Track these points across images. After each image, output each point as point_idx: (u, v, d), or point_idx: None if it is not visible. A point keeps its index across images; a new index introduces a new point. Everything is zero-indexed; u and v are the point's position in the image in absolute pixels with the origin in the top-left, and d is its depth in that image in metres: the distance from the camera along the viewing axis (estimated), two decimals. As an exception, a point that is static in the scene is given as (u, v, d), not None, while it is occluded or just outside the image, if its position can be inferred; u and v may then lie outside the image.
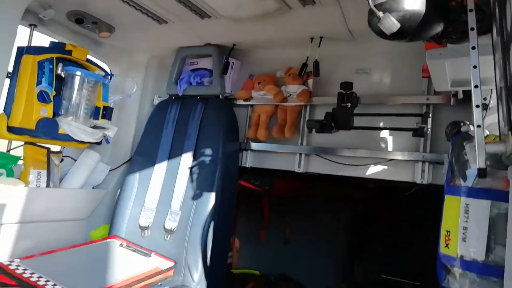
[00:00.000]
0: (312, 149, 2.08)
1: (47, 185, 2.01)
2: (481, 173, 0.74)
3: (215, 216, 1.97)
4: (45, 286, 1.49)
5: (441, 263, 0.89)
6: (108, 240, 2.06)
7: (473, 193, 0.84)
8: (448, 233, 0.87)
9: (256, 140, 2.22)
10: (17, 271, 1.55)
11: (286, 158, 2.15)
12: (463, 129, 1.06)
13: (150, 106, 2.49)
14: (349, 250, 3.63)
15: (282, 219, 3.55)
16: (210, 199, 1.98)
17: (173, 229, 2.02)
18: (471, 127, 0.99)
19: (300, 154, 2.10)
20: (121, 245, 2.02)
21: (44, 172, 2.01)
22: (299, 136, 2.12)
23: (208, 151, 2.07)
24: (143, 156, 2.25)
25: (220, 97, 2.24)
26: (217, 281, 1.99)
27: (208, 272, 1.92)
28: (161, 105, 2.38)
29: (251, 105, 2.27)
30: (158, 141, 2.23)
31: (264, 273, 2.66)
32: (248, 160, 2.24)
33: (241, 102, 2.27)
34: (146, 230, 2.11)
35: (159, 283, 1.85)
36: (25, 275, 1.54)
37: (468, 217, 0.83)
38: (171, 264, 1.91)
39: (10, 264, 1.59)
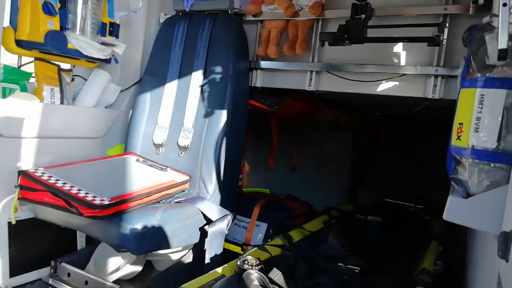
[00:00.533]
0: (323, 66, 2.04)
1: (61, 102, 2.03)
2: (502, 54, 0.73)
3: (227, 133, 2.01)
4: (70, 191, 1.57)
5: (451, 155, 0.91)
6: (124, 155, 2.14)
7: (489, 83, 0.84)
8: (461, 125, 0.88)
9: (266, 57, 2.17)
10: (43, 178, 1.63)
11: (296, 77, 2.13)
12: (484, 19, 1.02)
13: (157, 25, 2.41)
14: (354, 175, 3.77)
15: (290, 146, 3.63)
16: (222, 116, 2.00)
17: (187, 146, 2.07)
18: (493, 18, 0.95)
19: (311, 71, 2.07)
20: (137, 160, 2.09)
21: (57, 89, 2.02)
22: (311, 53, 2.08)
23: (218, 69, 2.05)
24: (153, 75, 2.24)
25: (229, 11, 2.15)
26: (230, 195, 2.08)
27: (222, 186, 2.00)
28: (168, 23, 2.30)
29: (261, 21, 2.19)
30: (167, 60, 2.20)
31: (274, 192, 2.78)
32: (258, 80, 2.22)
33: (251, 18, 2.18)
34: (160, 148, 2.17)
35: (176, 195, 1.95)
36: (51, 181, 1.62)
37: (482, 107, 0.84)
38: (187, 177, 1.99)
39: (36, 172, 1.67)
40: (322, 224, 2.29)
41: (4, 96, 1.82)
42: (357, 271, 1.55)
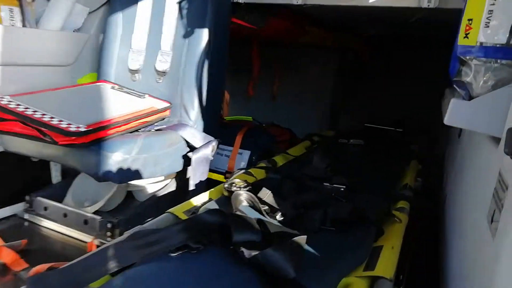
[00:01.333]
0: None
1: (23, 25, 1.79)
2: None
3: (209, 55, 1.85)
4: (42, 118, 1.43)
5: (456, 57, 0.83)
6: (98, 83, 1.97)
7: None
8: (470, 21, 0.79)
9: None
10: (10, 106, 1.48)
11: None
12: None
13: None
14: (336, 100, 3.68)
15: (271, 73, 3.45)
16: (203, 36, 1.83)
17: (166, 70, 1.92)
18: None
19: None
20: (112, 87, 1.92)
21: (16, 10, 1.78)
22: None
23: (196, -18, 1.82)
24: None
25: None
26: (213, 122, 1.99)
27: (204, 112, 1.90)
28: None
29: None
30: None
31: (256, 120, 2.69)
32: None
33: None
34: (136, 74, 2.00)
35: (156, 123, 1.83)
36: (19, 109, 1.48)
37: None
38: (167, 104, 1.87)
39: (1, 100, 1.50)
40: (305, 150, 2.26)
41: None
42: (342, 189, 1.54)
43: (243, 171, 1.59)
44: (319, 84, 3.52)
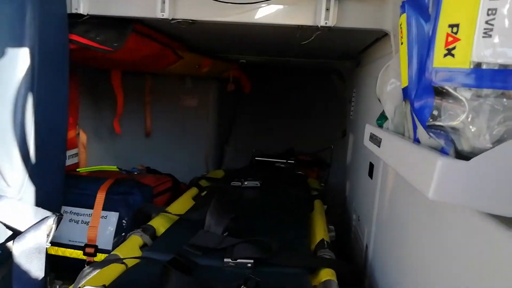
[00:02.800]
0: None
1: None
2: None
3: (34, 85, 1.27)
4: None
5: (429, 87, 0.53)
6: None
7: None
8: (455, 28, 0.50)
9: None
10: None
11: (143, 1, 1.48)
12: None
13: None
14: (220, 134, 3.40)
15: (142, 104, 2.97)
16: (20, 59, 1.24)
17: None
18: None
19: None
20: None
21: None
22: None
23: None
24: None
25: None
26: (51, 184, 1.40)
27: (34, 172, 1.29)
28: None
29: None
30: None
31: (124, 169, 2.16)
32: (82, 3, 1.48)
33: None
34: None
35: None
36: None
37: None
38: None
39: None
40: (193, 201, 1.83)
41: None
42: (250, 265, 1.17)
43: (99, 269, 1.05)
44: (200, 117, 3.19)
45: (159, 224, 1.48)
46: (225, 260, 1.19)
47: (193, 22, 1.51)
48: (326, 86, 3.36)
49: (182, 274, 1.05)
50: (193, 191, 1.99)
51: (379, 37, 1.59)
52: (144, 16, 1.51)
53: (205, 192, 2.01)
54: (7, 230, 1.16)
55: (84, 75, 2.36)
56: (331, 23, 1.39)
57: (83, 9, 1.50)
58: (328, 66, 2.93)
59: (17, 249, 1.11)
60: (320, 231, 1.52)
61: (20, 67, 1.26)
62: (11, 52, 1.26)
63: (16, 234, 1.15)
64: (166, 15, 1.47)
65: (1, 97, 1.24)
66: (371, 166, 1.54)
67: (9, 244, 1.13)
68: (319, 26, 1.40)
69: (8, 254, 1.12)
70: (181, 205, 1.74)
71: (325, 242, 1.39)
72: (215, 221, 1.38)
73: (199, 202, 1.82)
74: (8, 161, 1.24)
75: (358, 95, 2.19)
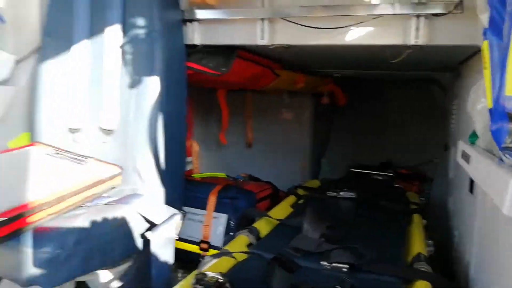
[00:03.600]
0: (277, 12, 1.68)
1: None
2: None
3: (163, 106, 1.61)
4: None
5: (503, 112, 0.62)
6: (29, 147, 1.66)
7: None
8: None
9: (204, 5, 1.77)
10: None
11: (244, 28, 1.76)
12: None
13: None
14: (316, 146, 3.56)
15: (244, 118, 3.31)
16: (152, 85, 1.60)
17: (112, 128, 1.65)
18: None
19: (263, 20, 1.70)
20: (47, 153, 1.63)
21: None
22: None
23: (141, 22, 1.62)
24: (56, 37, 1.75)
25: None
26: (175, 187, 1.73)
27: (164, 176, 1.63)
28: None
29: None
30: (71, 13, 1.70)
31: (230, 176, 2.46)
32: (196, 35, 1.81)
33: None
34: (76, 133, 1.72)
35: (105, 195, 1.55)
36: None
37: None
38: (117, 170, 1.59)
39: None
40: (291, 208, 2.01)
41: None
42: (345, 270, 1.29)
43: (215, 259, 1.30)
44: (297, 129, 3.39)
45: (262, 226, 1.69)
46: (321, 263, 1.33)
47: (289, 46, 1.71)
48: (425, 98, 3.27)
49: (285, 270, 1.24)
50: (291, 198, 2.17)
51: (476, 50, 1.57)
52: (246, 43, 1.77)
53: (302, 200, 2.18)
54: (145, 222, 1.50)
55: (195, 94, 2.77)
56: (421, 41, 1.44)
57: (196, 40, 1.83)
58: (426, 77, 2.87)
59: (154, 238, 1.44)
60: (418, 245, 1.55)
61: (153, 92, 1.61)
62: (146, 80, 1.62)
63: (152, 226, 1.48)
64: (265, 41, 1.70)
65: (140, 115, 1.61)
66: (472, 181, 1.53)
67: (147, 234, 1.45)
68: (409, 45, 1.47)
69: (147, 241, 1.45)
70: (281, 211, 1.94)
71: (422, 256, 1.42)
72: (312, 228, 1.54)
73: (297, 209, 1.99)
74: (145, 168, 1.60)
75: (458, 108, 2.14)
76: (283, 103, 3.37)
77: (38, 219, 1.22)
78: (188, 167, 2.47)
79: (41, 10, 1.84)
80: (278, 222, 1.75)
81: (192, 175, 2.37)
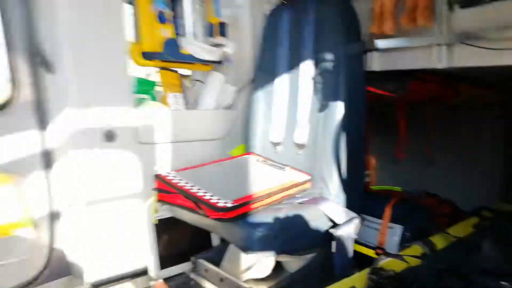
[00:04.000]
0: (455, 36, 1.75)
1: (185, 108, 2.24)
2: None
3: (345, 126, 1.92)
4: (197, 193, 1.71)
5: None
6: (245, 156, 2.24)
7: None
8: None
9: (382, 36, 1.98)
10: (174, 181, 1.82)
11: (422, 54, 1.89)
12: None
13: (263, 17, 2.43)
14: (507, 165, 3.22)
15: (423, 134, 3.28)
16: (337, 108, 1.92)
17: (304, 143, 2.06)
18: None
19: (440, 45, 1.80)
20: (257, 160, 2.16)
21: (180, 95, 2.24)
22: (436, 22, 1.80)
23: (329, 56, 1.96)
24: (264, 71, 2.29)
25: (335, -8, 2.03)
26: (355, 195, 2.00)
27: (345, 185, 1.93)
28: (272, 14, 2.32)
29: (373, -5, 2.02)
30: (275, 52, 2.21)
31: (407, 190, 2.56)
32: (375, 62, 2.06)
33: (360, -6, 2.04)
34: (278, 146, 2.20)
35: (298, 196, 1.95)
36: (181, 184, 1.80)
37: None
38: (308, 177, 1.98)
39: (168, 175, 1.88)
40: (472, 229, 2.00)
41: (139, 106, 2.08)
42: (528, 292, 1.29)
43: (390, 258, 1.51)
44: (486, 146, 3.14)
45: (438, 241, 1.78)
46: (502, 283, 1.35)
47: (469, 68, 1.75)
48: None
49: (459, 283, 1.34)
50: (474, 220, 2.12)
51: None
52: (423, 67, 1.90)
53: (486, 223, 2.12)
54: (330, 221, 1.82)
55: (373, 109, 2.96)
56: None
57: (376, 67, 2.07)
58: None
59: (337, 234, 1.75)
60: None
61: (338, 114, 1.93)
62: (331, 105, 1.95)
63: (335, 225, 1.80)
64: (443, 65, 1.79)
65: (327, 133, 1.95)
66: None
67: (332, 230, 1.77)
68: None
69: (331, 236, 1.77)
70: (460, 229, 1.96)
71: None
72: (494, 251, 1.56)
73: (479, 230, 1.97)
74: (329, 177, 1.93)
75: None
76: (467, 117, 3.19)
77: (255, 207, 1.70)
78: (367, 180, 2.69)
79: (253, 52, 2.45)
80: (456, 239, 1.80)
81: (370, 187, 2.59)
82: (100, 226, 1.87)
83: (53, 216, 1.91)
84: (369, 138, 2.84)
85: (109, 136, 1.86)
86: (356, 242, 2.16)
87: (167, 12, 2.05)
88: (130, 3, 1.99)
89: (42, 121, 1.82)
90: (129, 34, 1.99)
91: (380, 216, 2.17)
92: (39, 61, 1.74)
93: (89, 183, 1.83)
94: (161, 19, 2.02)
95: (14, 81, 1.76)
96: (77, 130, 1.79)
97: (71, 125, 1.78)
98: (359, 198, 2.00)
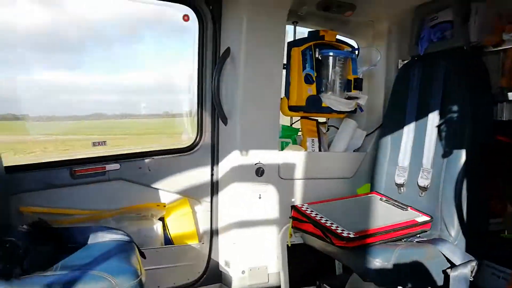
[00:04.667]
0: None
1: (319, 150, 2.69)
2: None
3: (468, 173, 2.06)
4: (325, 224, 2.12)
5: None
6: (370, 194, 2.55)
7: None
8: None
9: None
10: (307, 211, 2.27)
11: None
12: None
13: (395, 72, 2.76)
14: None
15: None
16: (461, 156, 2.09)
17: (426, 186, 2.27)
18: None
19: None
20: (381, 199, 2.45)
21: (316, 140, 2.71)
22: None
23: (455, 108, 2.16)
24: (392, 119, 2.59)
25: (465, 48, 2.23)
26: (475, 240, 2.08)
27: (466, 230, 2.06)
28: (404, 68, 2.62)
29: (504, 50, 2.14)
30: (405, 103, 2.49)
31: None
32: (505, 113, 2.15)
33: (491, 49, 2.19)
34: (401, 188, 2.45)
35: (417, 235, 2.16)
36: (312, 215, 2.23)
37: None
38: (427, 218, 2.18)
39: (302, 206, 2.34)
40: None
41: (282, 148, 2.63)
42: None
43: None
44: None
45: None
46: None
47: None
48: None
49: None
50: None
51: None
52: None
53: None
54: (447, 262, 1.98)
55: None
56: None
57: (505, 117, 2.17)
58: None
59: (452, 275, 1.91)
60: None
61: (461, 160, 2.08)
62: (456, 151, 2.11)
63: (452, 265, 1.95)
64: None
65: (449, 178, 2.12)
66: None
67: (448, 271, 1.94)
68: None
69: (447, 276, 1.92)
70: None
71: None
72: None
73: None
74: (450, 220, 2.09)
75: None
76: None
77: (375, 240, 2.00)
78: (499, 226, 2.65)
79: (384, 102, 2.77)
80: None
81: (502, 235, 2.55)
82: (246, 244, 2.43)
83: (213, 233, 2.56)
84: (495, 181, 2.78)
85: (259, 171, 2.43)
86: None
87: (312, 75, 2.57)
88: (285, 68, 2.57)
89: (215, 159, 2.52)
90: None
91: (507, 266, 2.18)
92: (218, 115, 2.43)
93: (242, 207, 2.42)
94: (308, 80, 2.55)
95: (200, 130, 2.51)
96: (237, 166, 2.41)
97: (233, 162, 2.42)
98: (481, 243, 2.08)
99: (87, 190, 2.28)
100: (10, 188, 2.01)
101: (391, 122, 2.60)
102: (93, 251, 1.72)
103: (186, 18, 2.44)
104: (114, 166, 2.34)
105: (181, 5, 2.42)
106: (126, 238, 1.89)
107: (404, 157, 2.46)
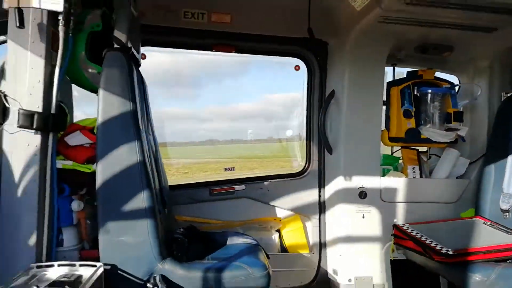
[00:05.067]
0: None
1: (420, 176, 2.93)
2: None
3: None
4: (425, 241, 2.36)
5: None
6: (473, 218, 2.69)
7: None
8: None
9: None
10: (408, 231, 2.53)
11: None
12: None
13: (498, 103, 2.88)
14: None
15: None
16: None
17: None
18: None
19: None
20: (484, 223, 2.58)
21: (417, 167, 2.95)
22: None
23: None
24: (496, 148, 2.72)
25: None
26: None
27: None
28: (507, 100, 2.77)
29: None
30: (508, 132, 2.62)
31: None
32: None
33: None
34: (507, 213, 2.55)
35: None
36: (413, 233, 2.49)
37: None
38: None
39: (404, 226, 2.61)
40: None
41: (383, 175, 2.94)
42: None
43: None
44: None
45: None
46: None
47: None
48: None
49: None
50: None
51: None
52: None
53: None
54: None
55: None
56: None
57: None
58: None
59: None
60: None
61: None
62: None
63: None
64: None
65: None
66: None
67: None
68: None
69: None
70: None
71: None
72: None
73: None
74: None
75: None
76: None
77: (474, 258, 2.18)
78: None
79: (488, 131, 2.91)
80: None
81: None
82: (352, 256, 2.75)
83: (322, 245, 2.94)
84: None
85: (362, 194, 2.78)
86: None
87: (411, 110, 2.87)
88: (385, 104, 2.92)
89: (321, 183, 2.95)
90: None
91: None
92: (324, 146, 2.88)
93: (346, 225, 2.77)
94: (407, 115, 2.86)
95: (309, 158, 2.99)
96: (342, 189, 2.79)
97: (338, 186, 2.81)
98: None
99: (221, 205, 2.90)
100: (172, 201, 2.71)
101: (495, 151, 2.73)
102: (232, 249, 2.26)
103: (297, 68, 2.99)
104: (241, 187, 2.93)
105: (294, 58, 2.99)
106: (254, 242, 2.40)
107: (509, 184, 2.56)
